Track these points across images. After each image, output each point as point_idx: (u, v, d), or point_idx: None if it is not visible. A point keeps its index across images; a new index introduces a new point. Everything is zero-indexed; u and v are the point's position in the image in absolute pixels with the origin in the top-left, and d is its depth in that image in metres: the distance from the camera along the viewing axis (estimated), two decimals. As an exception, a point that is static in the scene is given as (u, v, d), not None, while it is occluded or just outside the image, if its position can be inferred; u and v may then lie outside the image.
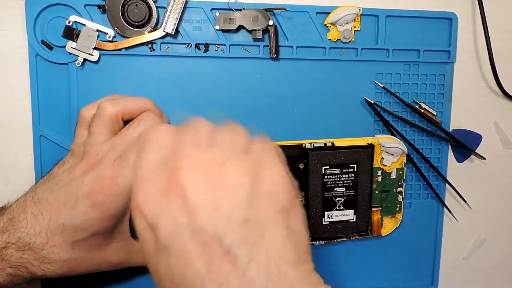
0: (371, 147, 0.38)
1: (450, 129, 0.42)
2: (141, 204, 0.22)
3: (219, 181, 0.21)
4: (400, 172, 0.40)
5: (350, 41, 0.39)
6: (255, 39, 0.37)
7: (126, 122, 0.33)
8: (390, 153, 0.39)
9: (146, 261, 0.23)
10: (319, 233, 0.38)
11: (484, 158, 0.43)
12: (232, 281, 0.19)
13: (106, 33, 0.35)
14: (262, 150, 0.24)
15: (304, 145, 0.38)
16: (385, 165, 0.39)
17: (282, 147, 0.37)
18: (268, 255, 0.20)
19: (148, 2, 0.35)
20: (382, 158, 0.39)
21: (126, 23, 0.35)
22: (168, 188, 0.22)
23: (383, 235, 0.41)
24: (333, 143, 0.38)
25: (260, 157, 0.23)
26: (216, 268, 0.19)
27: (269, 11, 0.37)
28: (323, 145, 0.37)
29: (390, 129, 0.40)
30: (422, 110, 0.40)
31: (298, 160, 0.38)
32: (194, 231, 0.20)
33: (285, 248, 0.21)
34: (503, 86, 0.42)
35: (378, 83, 0.40)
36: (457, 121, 0.42)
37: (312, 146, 0.37)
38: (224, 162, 0.22)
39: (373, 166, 0.39)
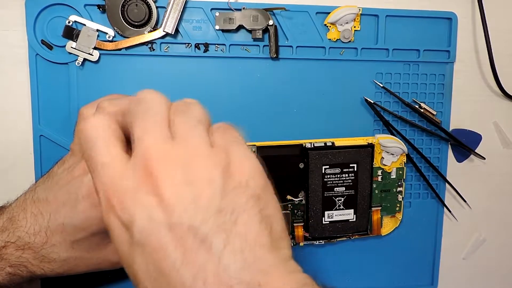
0: (371, 146, 0.38)
1: (450, 129, 0.42)
2: (113, 203, 0.21)
3: (190, 175, 0.21)
4: (400, 172, 0.40)
5: (350, 41, 0.39)
6: (255, 39, 0.37)
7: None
8: (390, 152, 0.39)
9: (120, 259, 0.23)
10: (319, 232, 0.38)
11: (484, 158, 0.43)
12: (208, 268, 0.19)
13: (106, 33, 0.35)
14: (228, 139, 0.24)
15: (304, 145, 0.38)
16: (385, 165, 0.39)
17: (282, 146, 0.37)
18: (242, 241, 0.20)
19: (148, 2, 0.35)
20: (382, 157, 0.39)
21: (126, 23, 0.35)
22: (141, 184, 0.21)
23: (383, 234, 0.41)
24: (333, 143, 0.38)
25: (227, 146, 0.23)
26: (192, 258, 0.20)
27: (269, 11, 0.37)
28: (323, 144, 0.37)
29: (390, 129, 0.40)
30: (422, 110, 0.40)
31: (298, 160, 0.38)
32: (171, 226, 0.20)
33: (258, 233, 0.21)
34: (503, 86, 0.42)
35: (378, 83, 0.40)
36: (457, 121, 0.42)
37: (312, 146, 0.37)
38: (192, 155, 0.22)
39: (373, 166, 0.39)
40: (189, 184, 0.21)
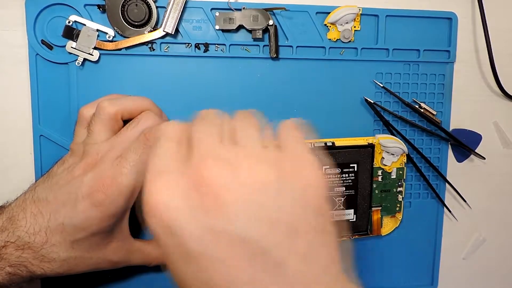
0: (371, 146, 0.38)
1: (450, 129, 0.42)
2: (159, 206, 0.20)
3: (248, 180, 0.20)
4: (400, 172, 0.40)
5: (350, 41, 0.39)
6: (255, 39, 0.37)
7: (125, 122, 0.33)
8: (390, 152, 0.39)
9: (168, 266, 0.21)
10: None
11: (484, 158, 0.43)
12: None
13: (106, 33, 0.35)
14: (294, 145, 0.23)
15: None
16: (385, 165, 0.39)
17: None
18: (301, 258, 0.19)
19: (148, 2, 0.35)
20: (383, 157, 0.39)
21: (126, 23, 0.35)
22: (193, 187, 0.20)
23: (383, 234, 0.41)
24: (333, 143, 0.38)
25: (292, 153, 0.22)
26: (255, 274, 0.18)
27: (269, 10, 0.37)
28: (323, 144, 0.37)
29: (390, 129, 0.40)
30: (422, 110, 0.40)
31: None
32: (230, 236, 0.19)
33: (318, 251, 0.20)
34: (503, 86, 0.42)
35: (378, 83, 0.40)
36: (457, 121, 0.42)
37: (312, 146, 0.37)
38: (251, 159, 0.21)
39: (373, 166, 0.39)
40: (246, 189, 0.20)
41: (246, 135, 0.23)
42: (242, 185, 0.20)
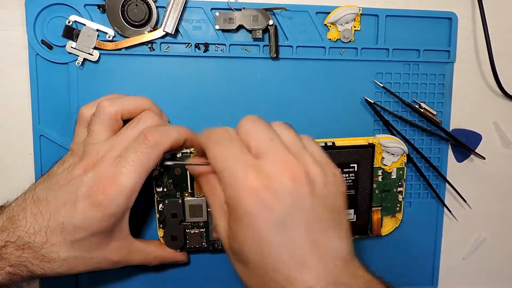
0: (371, 146, 0.38)
1: (450, 129, 0.42)
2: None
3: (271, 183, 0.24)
4: (401, 172, 0.40)
5: (350, 41, 0.39)
6: (255, 39, 0.37)
7: (125, 122, 0.33)
8: (390, 152, 0.38)
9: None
10: None
11: (484, 158, 0.43)
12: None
13: (106, 33, 0.35)
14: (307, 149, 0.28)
15: (304, 145, 0.37)
16: (386, 165, 0.39)
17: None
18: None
19: (148, 2, 0.35)
20: (383, 157, 0.39)
21: (126, 23, 0.35)
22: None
23: (383, 234, 0.41)
24: (333, 143, 0.37)
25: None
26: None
27: (269, 10, 0.37)
28: (323, 144, 0.37)
29: (390, 129, 0.40)
30: (422, 110, 0.40)
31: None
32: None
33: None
34: (503, 86, 0.42)
35: (378, 83, 0.40)
36: (457, 121, 0.42)
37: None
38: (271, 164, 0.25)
39: (374, 166, 0.39)
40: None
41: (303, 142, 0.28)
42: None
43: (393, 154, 0.39)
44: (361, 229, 0.39)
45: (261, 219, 0.23)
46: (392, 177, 0.40)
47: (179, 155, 0.34)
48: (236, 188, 0.24)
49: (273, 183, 0.24)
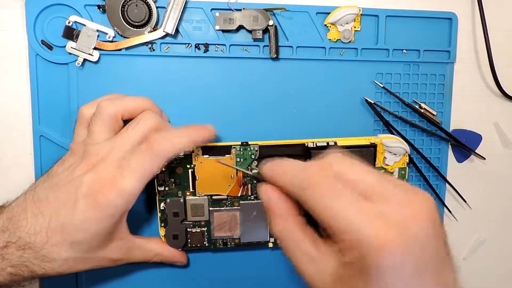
0: (373, 146, 0.38)
1: (450, 129, 0.42)
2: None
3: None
4: (403, 172, 0.39)
5: (350, 41, 0.39)
6: (255, 39, 0.37)
7: (126, 122, 0.33)
8: (392, 152, 0.38)
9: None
10: (320, 232, 0.38)
11: (484, 158, 0.43)
12: None
13: (106, 33, 0.35)
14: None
15: (307, 144, 0.37)
16: (388, 165, 0.39)
17: (285, 146, 0.37)
18: None
19: (148, 2, 0.35)
20: (385, 157, 0.39)
21: (126, 23, 0.35)
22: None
23: (383, 235, 0.41)
24: (335, 142, 0.37)
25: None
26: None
27: (269, 11, 0.37)
28: (325, 144, 0.37)
29: (390, 129, 0.40)
30: (422, 110, 0.40)
31: (300, 159, 0.37)
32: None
33: None
34: (503, 87, 0.42)
35: (378, 83, 0.40)
36: (457, 121, 0.42)
37: (314, 145, 0.37)
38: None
39: (376, 166, 0.39)
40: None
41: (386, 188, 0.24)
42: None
43: (395, 154, 0.39)
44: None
45: (393, 277, 0.21)
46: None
47: (181, 153, 0.34)
48: (367, 247, 0.21)
49: (405, 235, 0.21)
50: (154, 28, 0.36)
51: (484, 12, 0.40)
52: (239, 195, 0.37)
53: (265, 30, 0.37)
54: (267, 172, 0.28)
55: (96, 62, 0.36)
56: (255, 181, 0.37)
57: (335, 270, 0.23)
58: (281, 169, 0.27)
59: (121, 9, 0.35)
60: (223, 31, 0.37)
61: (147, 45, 0.36)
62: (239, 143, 0.36)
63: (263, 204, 0.27)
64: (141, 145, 0.30)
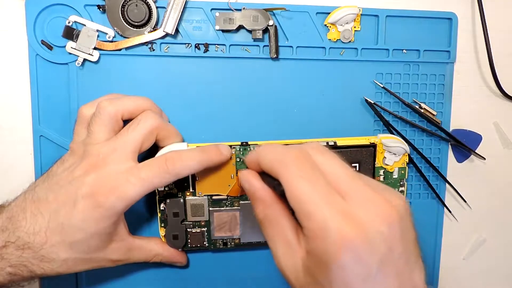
0: (373, 146, 0.38)
1: (450, 129, 0.42)
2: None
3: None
4: (402, 172, 0.39)
5: (350, 41, 0.39)
6: (255, 39, 0.37)
7: (126, 122, 0.33)
8: (392, 152, 0.38)
9: None
10: None
11: (484, 158, 0.43)
12: None
13: (106, 33, 0.35)
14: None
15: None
16: (387, 165, 0.39)
17: (285, 145, 0.37)
18: None
19: (148, 2, 0.35)
20: (385, 157, 0.39)
21: (126, 23, 0.35)
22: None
23: (383, 235, 0.41)
24: (335, 142, 0.37)
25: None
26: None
27: (269, 11, 0.37)
28: (325, 144, 0.37)
29: (390, 129, 0.40)
30: (422, 110, 0.40)
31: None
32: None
33: None
34: (502, 87, 0.42)
35: (378, 83, 0.40)
36: (457, 121, 0.42)
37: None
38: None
39: (375, 166, 0.39)
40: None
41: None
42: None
43: (395, 154, 0.39)
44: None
45: (354, 273, 0.21)
46: (394, 176, 0.39)
47: None
48: (330, 241, 0.21)
49: (369, 233, 0.21)
50: (154, 28, 0.36)
51: (484, 12, 0.40)
52: (239, 195, 0.37)
53: (265, 30, 0.37)
54: (251, 157, 0.28)
55: (96, 62, 0.36)
56: None
57: (304, 260, 0.23)
58: (264, 151, 0.27)
59: (121, 9, 0.35)
60: (223, 31, 0.37)
61: (147, 45, 0.36)
62: (239, 143, 0.36)
63: (245, 189, 0.28)
64: (156, 159, 0.31)
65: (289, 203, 0.23)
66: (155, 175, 0.30)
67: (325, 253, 0.21)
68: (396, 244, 0.22)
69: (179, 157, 0.31)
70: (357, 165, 0.38)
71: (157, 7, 0.36)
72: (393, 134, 0.40)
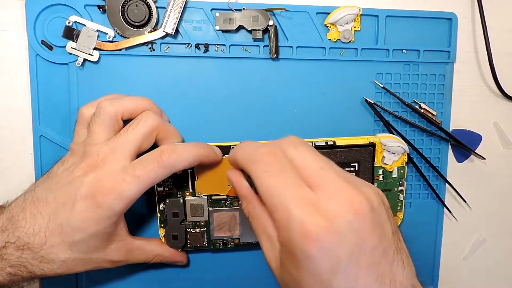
0: (372, 146, 0.38)
1: (450, 129, 0.42)
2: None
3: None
4: (401, 171, 0.40)
5: (350, 41, 0.39)
6: (255, 39, 0.37)
7: (126, 122, 0.33)
8: (391, 151, 0.38)
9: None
10: None
11: (484, 158, 0.43)
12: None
13: (106, 33, 0.35)
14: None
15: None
16: (387, 164, 0.39)
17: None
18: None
19: (148, 2, 0.35)
20: (384, 157, 0.39)
21: (126, 23, 0.35)
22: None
23: (383, 235, 0.41)
24: (334, 142, 0.37)
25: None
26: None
27: (269, 11, 0.37)
28: (324, 143, 0.37)
29: (390, 129, 0.40)
30: (422, 110, 0.40)
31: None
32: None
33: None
34: (502, 87, 0.42)
35: (378, 83, 0.40)
36: (457, 121, 0.42)
37: (313, 145, 0.37)
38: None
39: (374, 165, 0.39)
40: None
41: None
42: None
43: (394, 153, 0.39)
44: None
45: (323, 264, 0.21)
46: (393, 176, 0.40)
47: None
48: (294, 232, 0.21)
49: (336, 223, 0.21)
50: (154, 28, 0.36)
51: (484, 12, 0.40)
52: (239, 195, 0.37)
53: (265, 30, 0.37)
54: (230, 156, 0.29)
55: (96, 62, 0.36)
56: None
57: (280, 253, 0.24)
58: (238, 150, 0.28)
59: (121, 9, 0.35)
60: (223, 31, 0.37)
61: (147, 45, 0.36)
62: (239, 143, 0.36)
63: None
64: (150, 154, 0.30)
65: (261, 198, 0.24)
66: (150, 169, 0.30)
67: (291, 244, 0.22)
68: (369, 235, 0.22)
69: (174, 150, 0.31)
70: (356, 164, 0.38)
71: (157, 7, 0.36)
72: (393, 134, 0.40)
